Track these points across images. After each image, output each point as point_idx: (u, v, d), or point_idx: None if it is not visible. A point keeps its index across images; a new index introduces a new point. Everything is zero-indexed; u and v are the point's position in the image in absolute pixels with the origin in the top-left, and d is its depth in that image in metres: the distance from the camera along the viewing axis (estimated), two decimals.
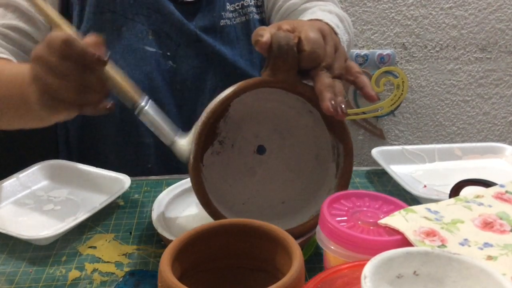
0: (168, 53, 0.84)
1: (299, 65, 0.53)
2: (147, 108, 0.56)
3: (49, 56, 0.52)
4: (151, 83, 0.82)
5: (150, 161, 0.87)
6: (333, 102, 0.51)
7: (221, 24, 0.87)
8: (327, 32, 0.54)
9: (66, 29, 0.57)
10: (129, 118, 0.84)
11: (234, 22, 0.88)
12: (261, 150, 0.63)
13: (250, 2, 0.89)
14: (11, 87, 0.63)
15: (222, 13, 0.87)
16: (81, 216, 0.63)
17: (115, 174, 0.73)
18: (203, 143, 0.54)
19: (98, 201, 0.68)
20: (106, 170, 0.74)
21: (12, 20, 0.76)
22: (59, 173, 0.76)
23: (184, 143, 0.56)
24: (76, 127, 0.88)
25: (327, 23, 0.78)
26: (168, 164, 0.86)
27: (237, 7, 0.88)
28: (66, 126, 0.90)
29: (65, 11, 0.83)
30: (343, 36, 0.81)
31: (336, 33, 0.79)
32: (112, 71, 0.55)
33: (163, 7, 0.83)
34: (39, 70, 0.53)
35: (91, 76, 0.53)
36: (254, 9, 0.90)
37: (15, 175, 0.73)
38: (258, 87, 0.54)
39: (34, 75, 0.54)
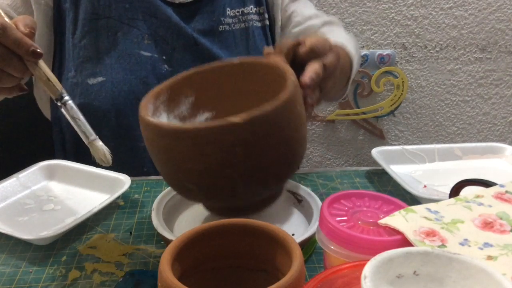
0: (164, 57, 0.84)
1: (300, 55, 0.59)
2: (71, 102, 0.57)
3: None
4: (146, 87, 0.82)
5: (145, 164, 0.86)
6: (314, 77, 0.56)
7: (220, 29, 0.86)
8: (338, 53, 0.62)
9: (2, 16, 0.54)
10: (124, 122, 0.84)
11: (233, 28, 0.87)
12: None
13: (251, 10, 0.89)
14: None
15: (222, 18, 0.86)
16: (81, 216, 0.63)
17: (115, 174, 0.73)
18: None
19: (98, 201, 0.68)
20: (106, 170, 0.74)
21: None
22: (59, 173, 0.76)
23: (101, 143, 0.58)
24: (72, 131, 0.88)
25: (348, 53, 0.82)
26: None
27: (237, 13, 0.88)
28: (62, 130, 0.90)
29: (58, 18, 0.83)
30: (355, 63, 0.84)
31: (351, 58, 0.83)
32: (41, 60, 0.54)
33: (159, 11, 0.83)
34: None
35: (17, 64, 0.52)
36: (255, 17, 0.89)
37: (15, 175, 0.73)
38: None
39: None
